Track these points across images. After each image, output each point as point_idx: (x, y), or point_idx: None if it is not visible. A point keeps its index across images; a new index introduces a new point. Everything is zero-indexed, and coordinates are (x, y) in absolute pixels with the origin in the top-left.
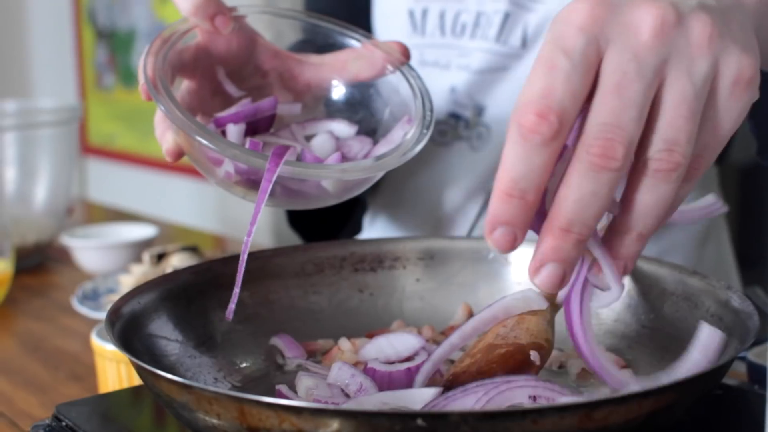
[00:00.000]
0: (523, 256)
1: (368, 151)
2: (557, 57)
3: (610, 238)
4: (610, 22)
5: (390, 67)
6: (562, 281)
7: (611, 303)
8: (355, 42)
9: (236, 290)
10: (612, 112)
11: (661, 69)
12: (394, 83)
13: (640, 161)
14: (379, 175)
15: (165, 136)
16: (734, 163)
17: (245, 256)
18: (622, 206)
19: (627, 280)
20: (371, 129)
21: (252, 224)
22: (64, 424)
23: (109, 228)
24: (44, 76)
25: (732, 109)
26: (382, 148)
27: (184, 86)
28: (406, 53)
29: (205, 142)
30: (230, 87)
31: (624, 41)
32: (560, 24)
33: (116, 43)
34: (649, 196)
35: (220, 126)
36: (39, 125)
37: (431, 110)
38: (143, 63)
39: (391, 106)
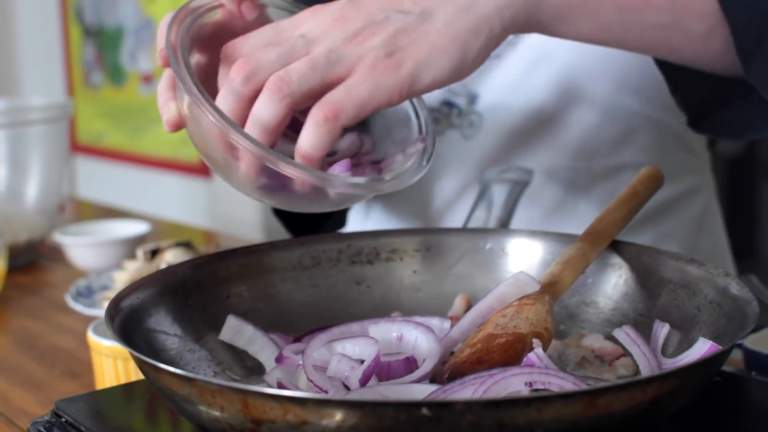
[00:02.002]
0: (520, 247)
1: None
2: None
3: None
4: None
5: None
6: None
7: None
8: None
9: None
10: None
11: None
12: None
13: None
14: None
15: (167, 105)
16: (723, 155)
17: None
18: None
19: (625, 269)
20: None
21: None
22: (63, 420)
23: (101, 225)
24: (32, 74)
25: (366, 85)
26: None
27: (193, 60)
28: None
29: (213, 120)
30: None
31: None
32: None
33: (104, 41)
34: (261, 107)
35: None
36: (29, 123)
37: (433, 143)
38: (167, 29)
39: (387, 121)
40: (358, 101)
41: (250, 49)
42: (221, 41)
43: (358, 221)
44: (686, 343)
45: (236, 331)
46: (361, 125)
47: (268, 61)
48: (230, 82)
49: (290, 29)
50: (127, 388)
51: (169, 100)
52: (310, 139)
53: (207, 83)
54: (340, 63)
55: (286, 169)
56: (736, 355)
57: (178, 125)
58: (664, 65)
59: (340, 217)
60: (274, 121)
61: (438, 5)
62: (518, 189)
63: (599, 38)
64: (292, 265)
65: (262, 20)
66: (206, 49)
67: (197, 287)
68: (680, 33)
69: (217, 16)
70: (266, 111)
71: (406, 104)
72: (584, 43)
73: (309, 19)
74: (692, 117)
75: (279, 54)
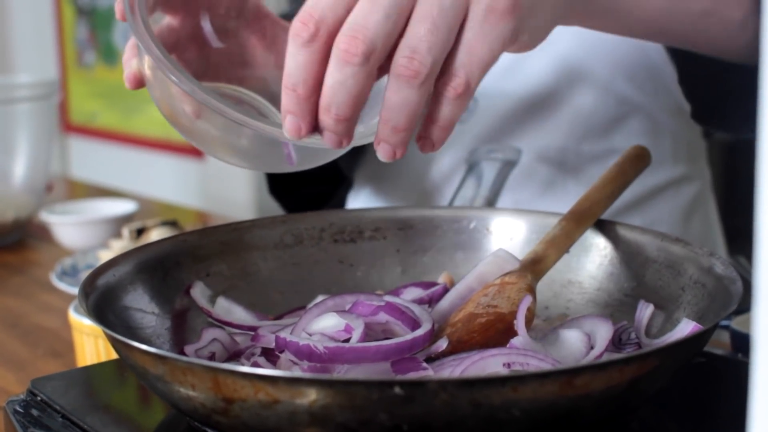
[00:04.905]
0: (504, 225)
1: None
2: None
3: (378, 125)
4: None
5: None
6: (338, 144)
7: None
8: None
9: None
10: (361, 14)
11: None
12: None
13: (391, 65)
14: (341, 151)
15: (130, 62)
16: (721, 139)
17: None
18: (383, 100)
19: (610, 249)
20: None
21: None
22: (39, 398)
23: (89, 204)
24: (25, 54)
25: (487, 35)
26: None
27: (165, 21)
28: None
29: (171, 76)
30: (211, 36)
31: None
32: None
33: (97, 20)
34: (396, 97)
35: None
36: (17, 100)
37: None
38: None
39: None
40: (482, 63)
41: (354, 19)
42: (194, 4)
43: (350, 204)
44: (670, 324)
45: (226, 311)
46: None
47: (376, 26)
48: (340, 62)
49: None
50: (105, 367)
51: (132, 56)
52: (409, 104)
53: (178, 47)
54: (454, 11)
55: (255, 126)
56: (724, 338)
57: (140, 82)
58: (677, 53)
59: (338, 201)
60: (411, 114)
61: None
62: (506, 169)
63: (641, 29)
64: (274, 243)
65: None
66: (178, 12)
67: (176, 265)
68: (719, 20)
69: None
70: (398, 98)
71: None
72: (622, 35)
73: None
74: (697, 109)
75: (386, 14)
